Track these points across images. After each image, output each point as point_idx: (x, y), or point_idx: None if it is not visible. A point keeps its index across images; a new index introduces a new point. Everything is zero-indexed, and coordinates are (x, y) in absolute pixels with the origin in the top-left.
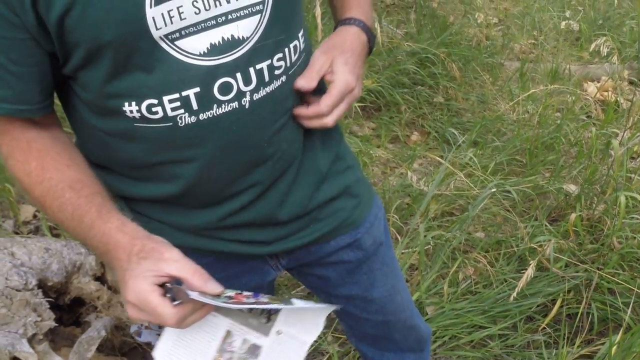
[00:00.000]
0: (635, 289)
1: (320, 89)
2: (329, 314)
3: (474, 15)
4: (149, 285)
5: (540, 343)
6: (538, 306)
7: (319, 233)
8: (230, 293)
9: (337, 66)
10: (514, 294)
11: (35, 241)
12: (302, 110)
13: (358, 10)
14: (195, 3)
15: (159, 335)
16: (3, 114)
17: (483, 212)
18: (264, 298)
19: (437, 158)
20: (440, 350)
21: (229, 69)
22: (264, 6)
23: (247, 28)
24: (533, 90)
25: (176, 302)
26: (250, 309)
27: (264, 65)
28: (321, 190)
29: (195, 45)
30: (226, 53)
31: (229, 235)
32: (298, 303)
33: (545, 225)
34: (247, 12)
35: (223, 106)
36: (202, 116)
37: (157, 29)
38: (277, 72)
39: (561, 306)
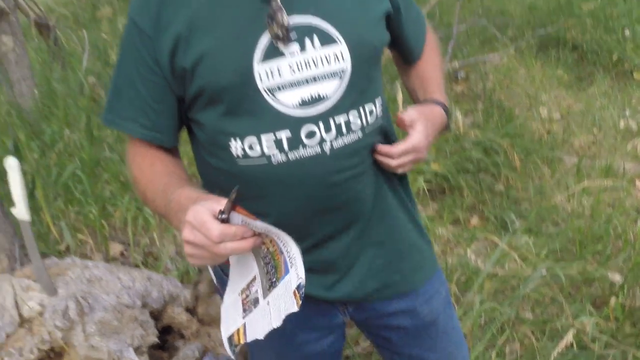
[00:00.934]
0: None
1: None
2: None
3: (538, 109)
4: (205, 209)
5: None
6: None
7: (377, 286)
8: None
9: (418, 125)
10: None
11: (139, 270)
12: (379, 145)
13: (440, 94)
14: (291, 65)
15: None
16: (143, 138)
17: (533, 292)
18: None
19: (495, 239)
20: None
21: (314, 119)
22: (344, 73)
23: (330, 88)
24: (587, 184)
25: (222, 217)
26: (272, 257)
27: (342, 119)
28: (386, 246)
29: (289, 98)
30: (312, 106)
31: None
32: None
33: (589, 309)
34: (331, 75)
35: (308, 149)
36: (291, 156)
37: (261, 81)
38: (353, 127)
39: None
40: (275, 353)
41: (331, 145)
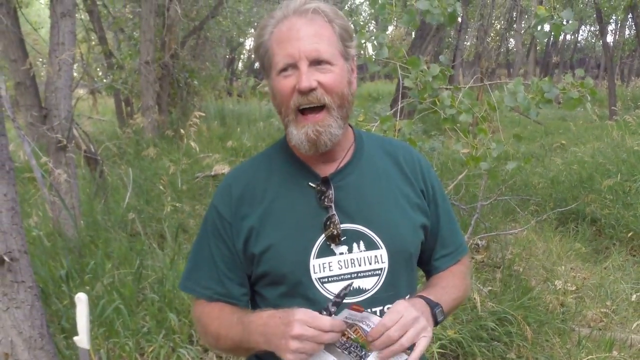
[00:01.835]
0: None
1: None
2: None
3: (554, 282)
4: (309, 310)
5: None
6: None
7: None
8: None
9: (394, 306)
10: None
11: None
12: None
13: (434, 294)
14: (340, 262)
15: None
16: (215, 300)
17: None
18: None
19: None
20: None
21: None
22: (381, 272)
23: (369, 283)
24: (595, 357)
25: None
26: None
27: (377, 309)
28: None
29: (335, 288)
30: (353, 297)
31: None
32: None
33: None
34: (370, 273)
35: None
36: None
37: (314, 272)
38: None
39: None
40: None
41: None
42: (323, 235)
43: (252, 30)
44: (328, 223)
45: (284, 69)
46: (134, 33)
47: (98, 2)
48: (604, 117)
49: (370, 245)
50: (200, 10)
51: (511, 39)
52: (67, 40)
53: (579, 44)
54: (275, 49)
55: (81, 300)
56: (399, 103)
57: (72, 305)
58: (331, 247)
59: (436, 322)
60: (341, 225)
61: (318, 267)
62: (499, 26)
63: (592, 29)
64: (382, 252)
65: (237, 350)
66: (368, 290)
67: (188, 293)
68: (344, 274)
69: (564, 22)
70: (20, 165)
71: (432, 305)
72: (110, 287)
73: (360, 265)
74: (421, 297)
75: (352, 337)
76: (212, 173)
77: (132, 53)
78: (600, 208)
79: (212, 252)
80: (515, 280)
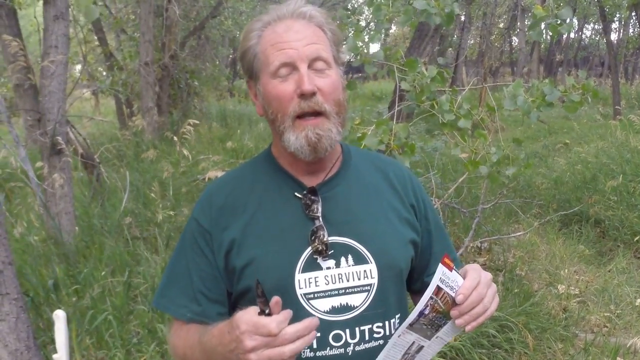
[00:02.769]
0: None
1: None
2: None
3: (556, 286)
4: (249, 314)
5: None
6: None
7: None
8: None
9: (470, 266)
10: None
11: None
12: (453, 312)
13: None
14: (326, 277)
15: None
16: (192, 321)
17: None
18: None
19: None
20: None
21: (341, 325)
22: (370, 288)
23: (358, 299)
24: None
25: (267, 313)
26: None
27: (366, 328)
28: None
29: (321, 305)
30: (341, 314)
31: None
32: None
33: None
34: (359, 289)
35: (334, 350)
36: (318, 353)
37: (299, 288)
38: (376, 335)
39: None
40: None
41: (354, 348)
42: (309, 249)
43: None
44: (314, 236)
45: (280, 70)
46: (135, 34)
47: (99, 3)
48: (608, 116)
49: (360, 260)
50: (200, 10)
51: (514, 37)
52: (60, 43)
53: (583, 42)
54: (269, 51)
55: (59, 317)
56: (396, 106)
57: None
58: (318, 261)
59: None
60: (329, 238)
61: (304, 282)
62: (502, 24)
63: (596, 26)
64: (372, 267)
65: None
66: (357, 307)
67: (163, 311)
68: (331, 290)
69: (563, 21)
70: (12, 172)
71: None
72: (100, 296)
73: (348, 281)
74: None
75: (440, 309)
76: (202, 177)
77: (132, 54)
78: (604, 209)
79: (189, 267)
80: (518, 284)
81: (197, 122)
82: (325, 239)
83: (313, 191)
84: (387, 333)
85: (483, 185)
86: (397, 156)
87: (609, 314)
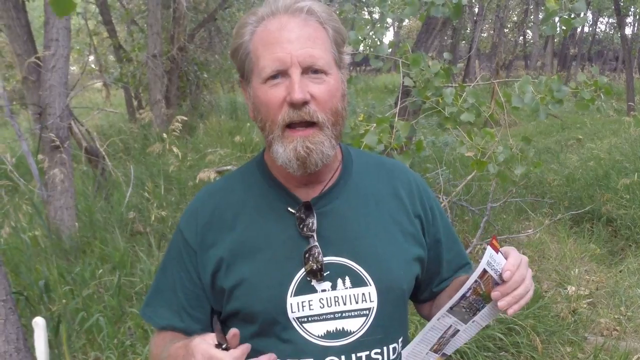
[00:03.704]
0: None
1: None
2: None
3: (566, 287)
4: (207, 345)
5: None
6: None
7: None
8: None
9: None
10: None
11: None
12: (494, 293)
13: None
14: (321, 300)
15: None
16: (170, 329)
17: None
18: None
19: None
20: None
21: (337, 351)
22: (369, 312)
23: (355, 325)
24: None
25: (224, 347)
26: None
27: (363, 354)
28: None
29: (316, 329)
30: (337, 339)
31: None
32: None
33: None
34: (357, 313)
35: None
36: None
37: (292, 312)
38: None
39: None
40: None
41: None
42: (303, 270)
43: None
44: (308, 255)
45: (272, 77)
46: (145, 25)
47: None
48: (622, 112)
49: (358, 282)
50: (210, 2)
51: (528, 31)
52: (61, 37)
53: (597, 36)
54: (260, 52)
55: (38, 325)
56: (399, 102)
57: (55, 314)
58: (312, 283)
59: None
60: (324, 258)
61: (296, 305)
62: (515, 17)
63: (611, 20)
64: (371, 290)
65: None
66: (354, 332)
67: (147, 322)
68: (327, 314)
69: (577, 15)
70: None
71: None
72: (93, 296)
73: (345, 304)
74: None
75: (481, 292)
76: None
77: (141, 46)
78: (617, 208)
79: (175, 279)
80: None
81: (185, 117)
82: (320, 259)
83: (307, 206)
84: (386, 359)
85: (492, 183)
86: (396, 156)
87: (619, 316)
